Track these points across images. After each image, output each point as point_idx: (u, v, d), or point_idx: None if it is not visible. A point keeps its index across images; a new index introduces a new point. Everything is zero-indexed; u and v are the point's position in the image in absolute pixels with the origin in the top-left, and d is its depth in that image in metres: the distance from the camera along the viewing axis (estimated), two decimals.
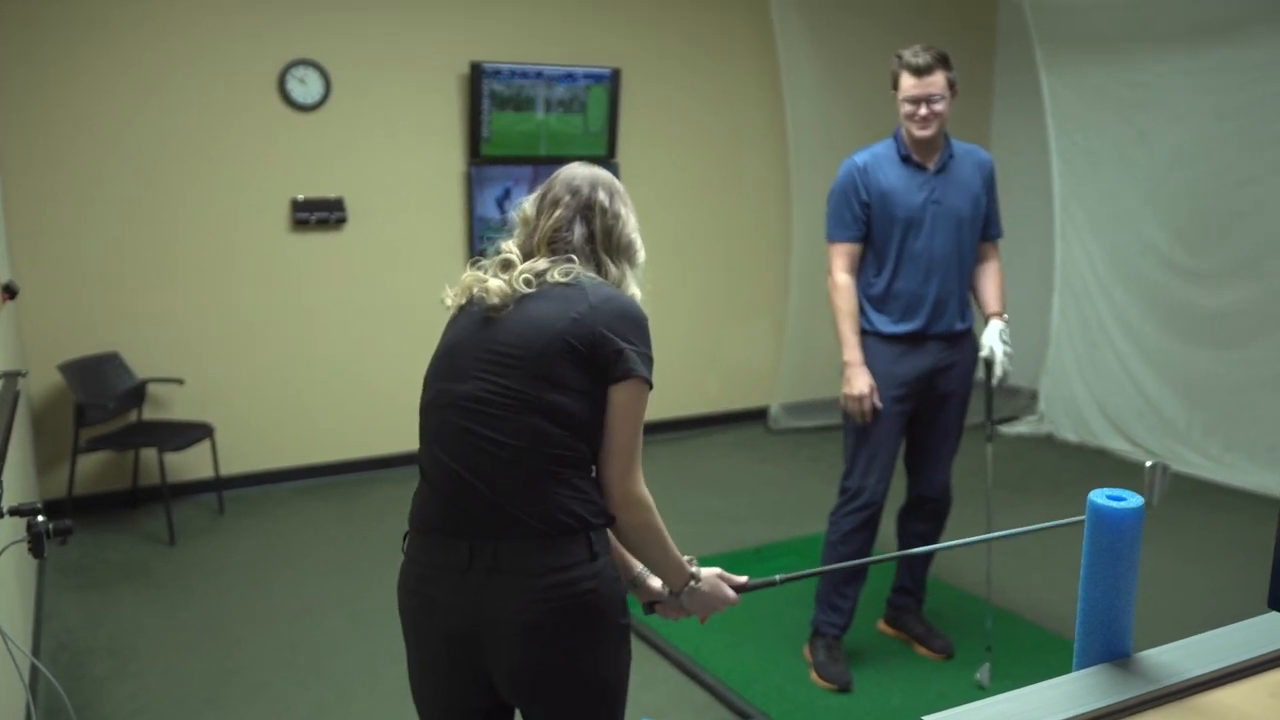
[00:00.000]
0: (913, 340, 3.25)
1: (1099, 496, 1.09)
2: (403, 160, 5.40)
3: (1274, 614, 1.05)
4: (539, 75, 5.52)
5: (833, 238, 3.29)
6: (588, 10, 5.74)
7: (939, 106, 3.11)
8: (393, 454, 5.47)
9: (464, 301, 1.77)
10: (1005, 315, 3.30)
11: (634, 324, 1.68)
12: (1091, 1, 5.72)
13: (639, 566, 1.88)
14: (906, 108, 3.15)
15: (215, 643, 3.64)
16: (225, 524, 4.82)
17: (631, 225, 1.82)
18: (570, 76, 5.61)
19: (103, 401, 4.58)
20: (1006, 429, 6.32)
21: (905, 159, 3.22)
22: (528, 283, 1.70)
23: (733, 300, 6.45)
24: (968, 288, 3.34)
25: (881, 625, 3.67)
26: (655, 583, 1.88)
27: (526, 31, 5.57)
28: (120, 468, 5.00)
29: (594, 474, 1.72)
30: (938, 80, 3.10)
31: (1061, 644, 3.50)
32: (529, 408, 1.63)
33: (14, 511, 2.00)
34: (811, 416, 6.32)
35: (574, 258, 1.73)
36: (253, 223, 5.11)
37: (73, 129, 4.70)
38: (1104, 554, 1.08)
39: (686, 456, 5.84)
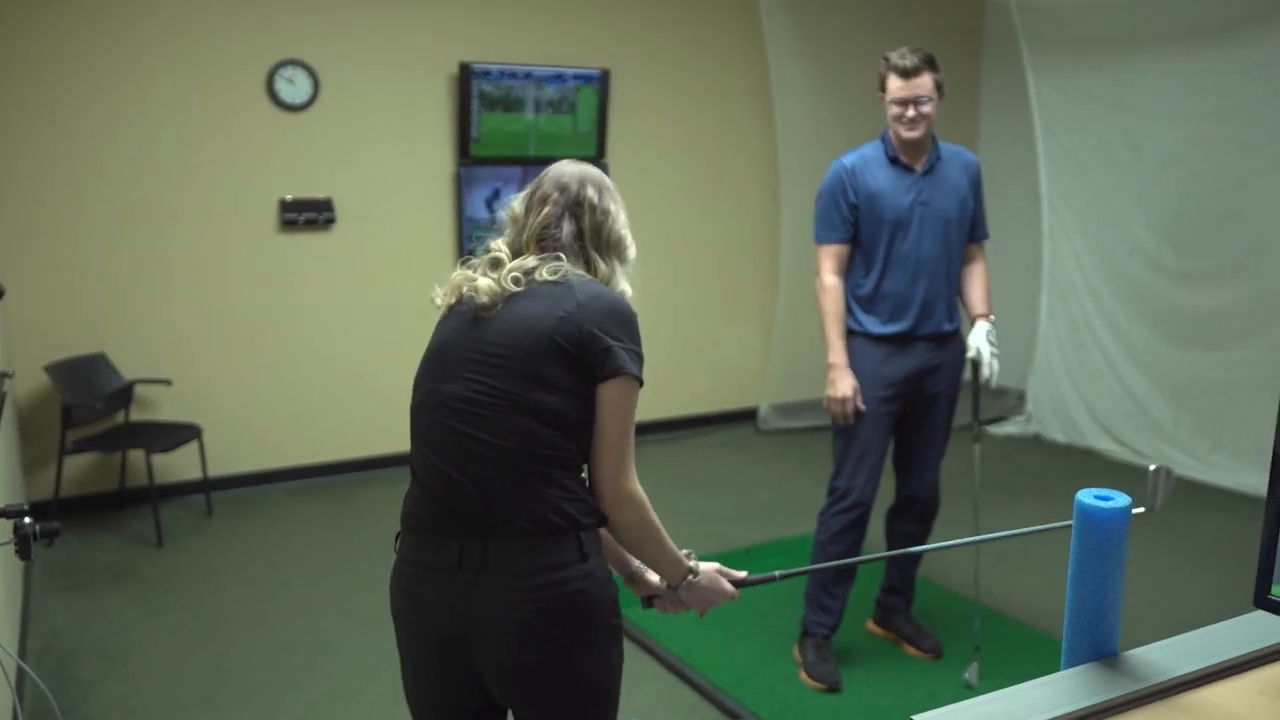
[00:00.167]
0: (901, 341, 3.26)
1: (1086, 497, 1.09)
2: (392, 161, 5.39)
3: (1260, 612, 1.06)
4: (528, 76, 5.52)
5: (821, 239, 3.30)
6: (577, 11, 5.74)
7: (926, 108, 3.13)
8: (383, 454, 5.46)
9: (453, 301, 1.77)
10: (992, 316, 3.32)
11: (622, 321, 1.68)
12: (1078, 3, 5.75)
13: (636, 561, 1.87)
14: (894, 110, 3.16)
15: (205, 644, 3.63)
16: (214, 525, 4.80)
17: (621, 221, 1.81)
18: (559, 77, 5.61)
19: (90, 402, 4.56)
20: (995, 429, 6.34)
21: (893, 160, 3.23)
22: (516, 281, 1.70)
23: (722, 301, 6.45)
24: (955, 289, 3.35)
25: (871, 625, 3.68)
26: (653, 577, 1.88)
27: (516, 32, 5.57)
28: (108, 469, 4.98)
29: (584, 473, 1.72)
30: (925, 82, 3.11)
31: (1049, 643, 3.51)
32: (517, 408, 1.63)
33: (0, 513, 1.99)
34: (801, 417, 6.33)
35: (562, 255, 1.73)
36: (241, 223, 5.09)
37: (59, 129, 4.68)
38: (1092, 554, 1.08)
39: (676, 457, 5.84)
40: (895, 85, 3.13)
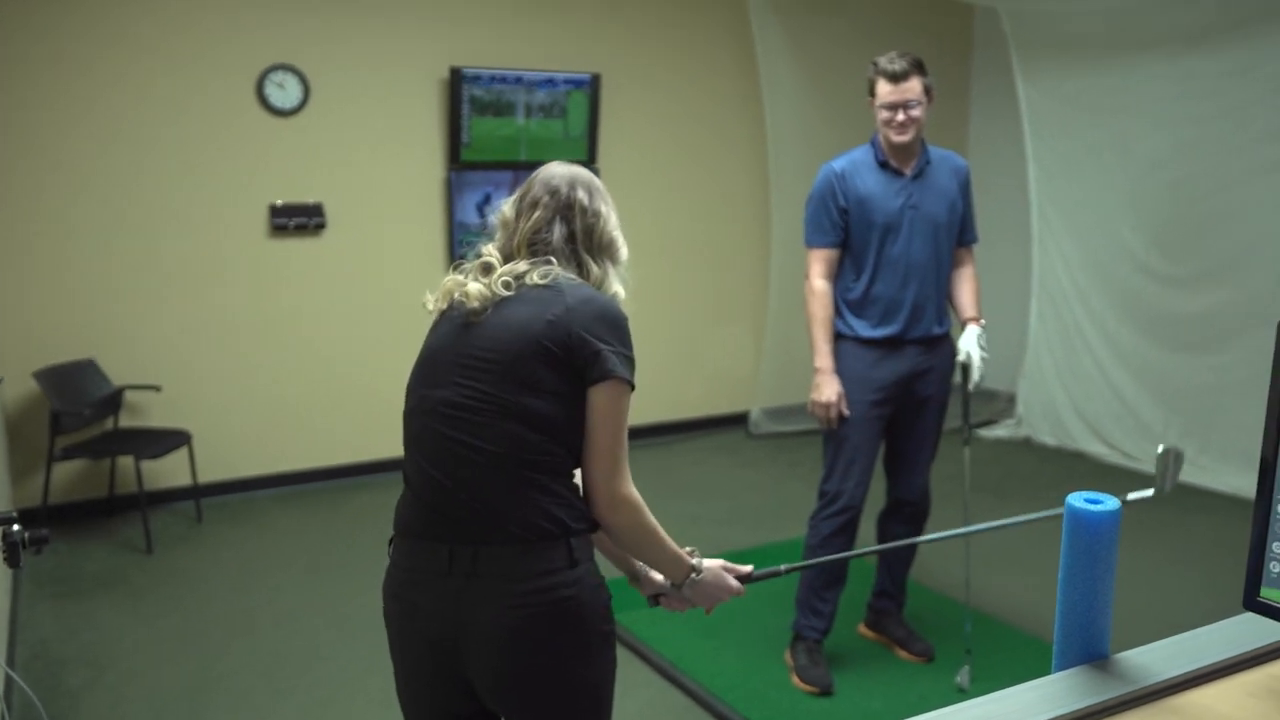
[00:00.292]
0: (891, 345, 3.27)
1: (1077, 500, 1.10)
2: (382, 165, 5.39)
3: (1250, 614, 1.06)
4: (519, 80, 5.52)
5: (811, 243, 3.30)
6: (568, 16, 5.74)
7: (915, 112, 3.14)
8: (373, 460, 5.45)
9: (445, 307, 1.77)
10: (982, 320, 3.33)
11: (612, 324, 1.67)
12: (1067, 8, 5.77)
13: (639, 561, 1.87)
14: (883, 114, 3.17)
15: (195, 652, 3.61)
16: (204, 532, 4.78)
17: (613, 223, 1.81)
18: (550, 82, 5.61)
19: (79, 409, 4.54)
20: (985, 432, 6.35)
21: (883, 165, 3.24)
22: (506, 285, 1.70)
23: (713, 305, 6.46)
24: (945, 292, 3.36)
25: (862, 629, 3.68)
26: (658, 576, 1.88)
27: (506, 36, 5.57)
28: (97, 476, 4.95)
29: (575, 478, 1.71)
30: (914, 86, 3.13)
31: (1040, 646, 3.52)
32: (506, 413, 1.63)
33: None
34: (792, 421, 6.33)
35: (553, 259, 1.73)
36: (231, 228, 5.08)
37: (48, 133, 4.67)
38: (1082, 556, 1.09)
39: (667, 461, 5.84)
40: (884, 90, 3.14)
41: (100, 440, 4.74)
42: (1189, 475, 5.42)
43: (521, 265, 1.72)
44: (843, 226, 3.25)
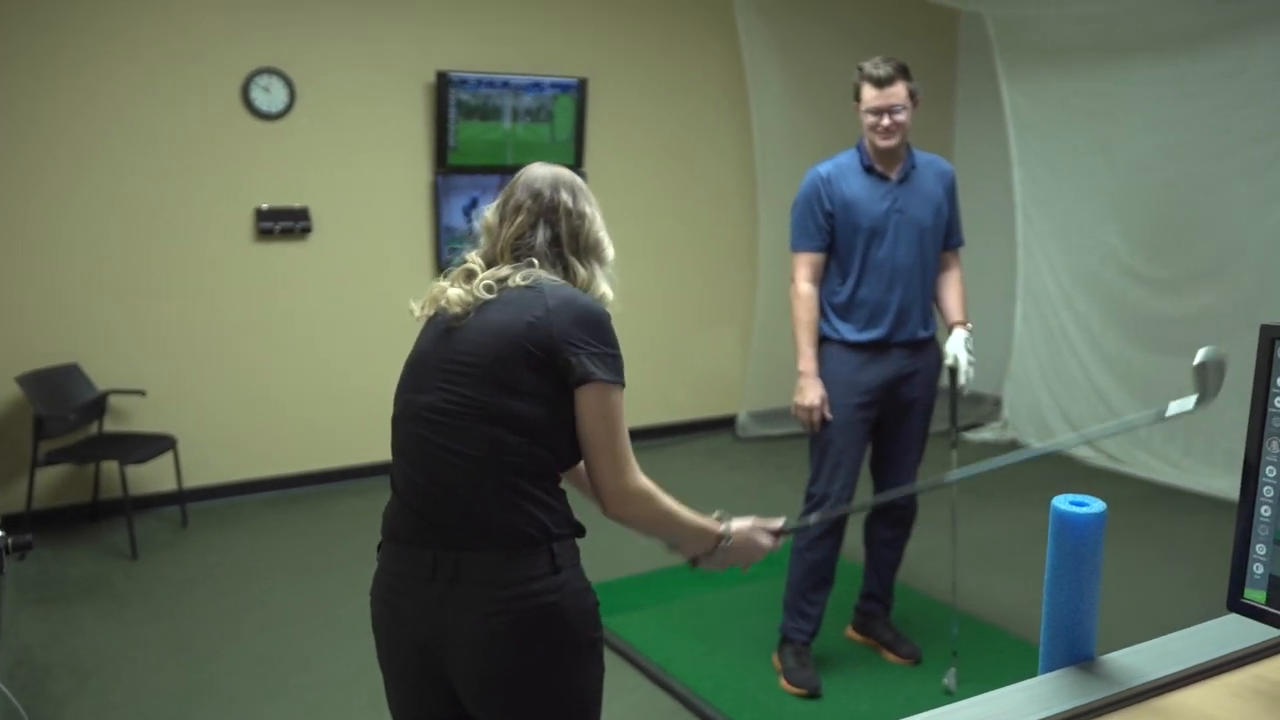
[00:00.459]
0: (876, 348, 3.28)
1: (1062, 502, 1.10)
2: (368, 169, 5.38)
3: (1233, 616, 1.07)
4: (505, 85, 5.52)
5: (796, 247, 3.31)
6: (554, 20, 5.74)
7: (901, 117, 3.15)
8: (359, 465, 5.43)
9: (431, 313, 1.77)
10: (969, 324, 3.34)
11: (593, 325, 1.66)
12: (1051, 13, 5.81)
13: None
14: (869, 119, 3.18)
15: (180, 658, 3.59)
16: (189, 537, 4.76)
17: (598, 224, 1.80)
18: (537, 86, 5.61)
19: (63, 413, 4.51)
20: (971, 435, 6.38)
21: (868, 169, 3.25)
22: (489, 289, 1.69)
23: (700, 308, 6.47)
24: (931, 296, 3.38)
25: (850, 631, 3.69)
26: None
27: (493, 41, 5.57)
28: (81, 481, 4.92)
29: (560, 483, 1.71)
30: (899, 91, 3.14)
31: (1026, 648, 3.53)
32: (486, 416, 1.62)
33: None
34: (779, 424, 6.34)
35: (535, 262, 1.72)
36: (216, 232, 5.06)
37: (30, 137, 4.64)
38: (1068, 559, 1.09)
39: (655, 465, 5.77)
40: (870, 94, 3.16)
41: (84, 445, 4.71)
42: (1172, 477, 5.47)
43: (505, 270, 1.72)
44: (828, 230, 3.26)
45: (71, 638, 3.74)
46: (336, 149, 5.26)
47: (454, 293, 1.70)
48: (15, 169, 4.63)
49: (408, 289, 1.92)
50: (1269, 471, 1.01)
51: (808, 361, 3.26)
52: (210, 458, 5.12)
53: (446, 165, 5.50)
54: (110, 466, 4.82)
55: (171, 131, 4.89)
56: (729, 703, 3.24)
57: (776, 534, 1.97)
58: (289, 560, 4.50)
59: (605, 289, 1.77)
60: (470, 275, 1.74)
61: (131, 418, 4.97)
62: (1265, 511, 1.02)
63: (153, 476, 4.96)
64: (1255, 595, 1.03)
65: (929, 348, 3.38)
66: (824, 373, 3.28)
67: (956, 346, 3.26)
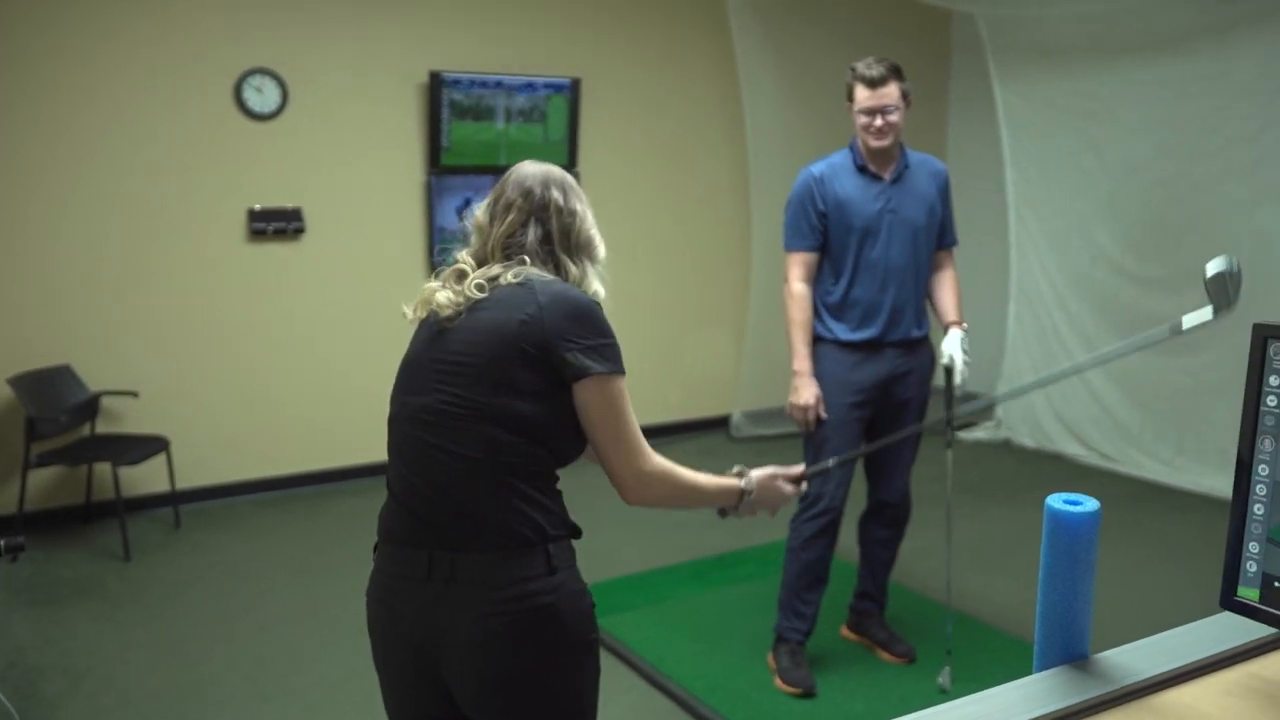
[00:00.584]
0: (870, 347, 3.28)
1: (1056, 502, 1.10)
2: (361, 170, 5.37)
3: (1227, 613, 1.07)
4: (499, 85, 5.51)
5: (790, 247, 3.32)
6: (547, 20, 5.74)
7: (893, 117, 3.16)
8: (353, 465, 5.43)
9: (423, 315, 1.76)
10: (965, 324, 3.34)
11: (585, 319, 1.65)
12: (1043, 14, 5.82)
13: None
14: (862, 119, 3.18)
15: (173, 660, 3.58)
16: (182, 538, 4.75)
17: (589, 221, 1.80)
18: (530, 86, 5.60)
19: (55, 415, 4.50)
20: (965, 435, 6.39)
21: (861, 169, 3.26)
22: (480, 288, 1.69)
23: (694, 308, 6.47)
24: (924, 295, 3.38)
25: (844, 631, 3.69)
26: None
27: (486, 41, 5.56)
28: (73, 482, 4.91)
29: (557, 483, 1.71)
30: (891, 91, 3.14)
31: (1020, 647, 3.54)
32: (482, 416, 1.62)
33: None
34: (773, 424, 6.34)
35: (526, 260, 1.72)
36: (209, 233, 5.05)
37: (21, 137, 4.62)
38: (1062, 557, 1.09)
39: None
40: (862, 95, 3.16)
41: (77, 446, 4.70)
42: (1165, 476, 5.48)
43: (495, 268, 1.71)
44: (821, 230, 3.26)
45: (64, 640, 3.73)
46: (329, 149, 5.26)
47: (443, 296, 1.70)
48: (3, 170, 4.61)
49: (401, 289, 1.92)
50: (1261, 469, 1.02)
51: (802, 361, 3.27)
52: (203, 459, 5.11)
53: (440, 166, 5.50)
54: (103, 468, 4.81)
55: (163, 132, 4.88)
56: (724, 702, 3.24)
57: (797, 480, 2.02)
58: (282, 561, 4.49)
59: (597, 287, 1.76)
60: (461, 276, 1.73)
61: (124, 419, 4.96)
62: (1258, 509, 1.02)
63: (145, 478, 4.95)
64: (1248, 593, 1.03)
65: (922, 347, 3.38)
66: (818, 372, 3.28)
67: (952, 346, 3.26)
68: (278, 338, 5.27)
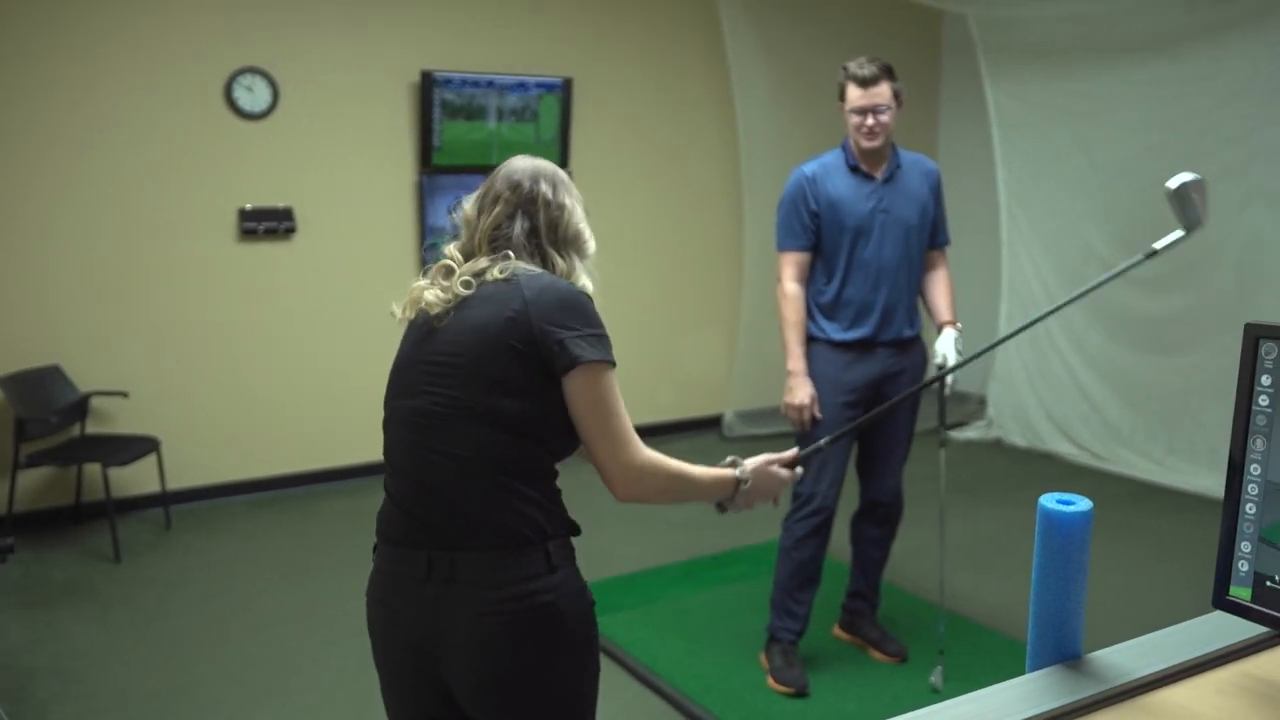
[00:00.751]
0: (862, 347, 3.29)
1: (1049, 501, 1.10)
2: (353, 169, 5.36)
3: (1219, 613, 1.07)
4: (490, 84, 5.51)
5: (782, 247, 3.32)
6: (539, 20, 5.74)
7: (885, 117, 3.16)
8: (344, 466, 5.41)
9: (412, 315, 1.75)
10: (959, 324, 3.34)
11: (573, 309, 1.64)
12: (1034, 14, 5.83)
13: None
14: (853, 119, 3.19)
15: (165, 661, 3.57)
16: (173, 539, 4.73)
17: (578, 215, 1.78)
18: (522, 86, 5.60)
19: (44, 415, 4.48)
20: (956, 434, 6.40)
21: (853, 169, 3.26)
22: (466, 285, 1.68)
23: (686, 308, 6.47)
24: (916, 295, 3.39)
25: (837, 630, 3.70)
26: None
27: (478, 40, 5.55)
28: (63, 483, 4.89)
29: (555, 481, 1.70)
30: (883, 91, 3.15)
31: (1013, 646, 3.55)
32: (474, 416, 1.61)
33: None
34: (766, 424, 6.34)
35: (512, 254, 1.70)
36: (200, 232, 5.03)
37: (9, 136, 4.60)
38: (1054, 557, 1.09)
39: None
40: (854, 94, 3.17)
41: (66, 447, 4.68)
42: (1156, 475, 5.50)
43: (482, 262, 1.70)
44: (814, 230, 3.26)
45: (55, 641, 3.71)
46: (320, 149, 5.24)
47: (431, 295, 1.69)
48: None
49: (392, 289, 1.91)
50: (1253, 469, 1.02)
51: (796, 361, 3.27)
52: (194, 459, 5.09)
53: (431, 165, 5.49)
54: (93, 469, 4.79)
55: (153, 132, 4.86)
56: (716, 702, 3.24)
57: (791, 464, 2.01)
58: (274, 562, 4.47)
59: (585, 282, 1.75)
60: (449, 272, 1.72)
61: (114, 419, 4.94)
62: (1250, 509, 1.02)
63: (136, 478, 4.93)
64: (1240, 592, 1.03)
65: (915, 346, 3.39)
66: (811, 372, 3.28)
67: (946, 346, 3.26)
68: (268, 337, 5.25)
